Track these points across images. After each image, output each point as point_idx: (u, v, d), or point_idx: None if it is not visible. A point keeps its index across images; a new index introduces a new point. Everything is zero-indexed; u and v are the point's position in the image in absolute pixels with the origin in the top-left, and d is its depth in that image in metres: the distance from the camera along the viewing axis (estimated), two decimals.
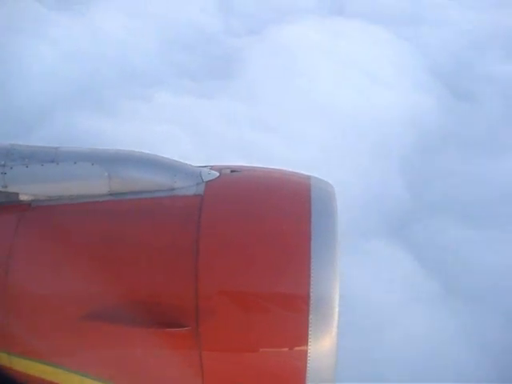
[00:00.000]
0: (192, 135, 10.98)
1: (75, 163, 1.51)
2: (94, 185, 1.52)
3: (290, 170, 1.63)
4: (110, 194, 1.53)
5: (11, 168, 1.48)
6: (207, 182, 1.53)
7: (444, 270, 8.98)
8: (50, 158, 1.52)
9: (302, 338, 1.41)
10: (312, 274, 1.40)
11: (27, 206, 1.52)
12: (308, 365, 1.40)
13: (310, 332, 1.40)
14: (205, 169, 1.59)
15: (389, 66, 15.36)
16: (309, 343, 1.40)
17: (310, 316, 1.40)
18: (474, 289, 8.65)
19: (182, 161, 1.61)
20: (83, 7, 14.81)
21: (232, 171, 1.59)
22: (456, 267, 9.06)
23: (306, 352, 1.41)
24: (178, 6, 17.49)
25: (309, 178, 1.57)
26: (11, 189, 1.49)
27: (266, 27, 16.98)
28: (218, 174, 1.57)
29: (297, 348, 1.42)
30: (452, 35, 18.67)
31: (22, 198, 1.52)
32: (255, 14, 19.28)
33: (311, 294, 1.39)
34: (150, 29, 15.40)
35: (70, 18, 14.27)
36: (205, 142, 10.63)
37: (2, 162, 1.49)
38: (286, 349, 1.44)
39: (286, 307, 1.44)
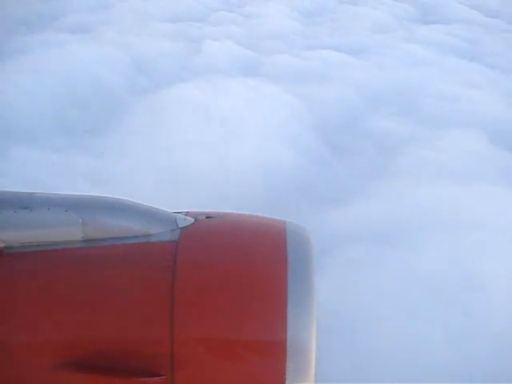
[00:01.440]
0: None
1: (49, 209, 1.49)
2: (67, 231, 1.49)
3: (265, 215, 1.63)
4: (84, 241, 1.49)
5: None
6: (182, 228, 1.51)
7: None
8: (23, 204, 1.49)
9: None
10: (289, 320, 1.36)
11: (0, 253, 1.52)
12: None
13: (286, 379, 1.39)
14: (180, 215, 1.57)
15: (269, 120, 15.91)
16: None
17: (287, 363, 1.38)
18: None
19: (156, 207, 1.59)
20: None
21: (207, 217, 1.57)
22: None
23: None
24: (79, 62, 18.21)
25: (284, 222, 1.56)
26: None
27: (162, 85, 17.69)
28: (193, 220, 1.54)
29: None
30: (346, 92, 19.46)
31: None
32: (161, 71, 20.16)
33: (288, 341, 1.36)
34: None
35: None
36: None
37: None
38: None
39: (262, 354, 1.42)
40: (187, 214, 1.58)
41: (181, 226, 1.51)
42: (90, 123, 15.08)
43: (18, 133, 13.61)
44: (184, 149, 13.11)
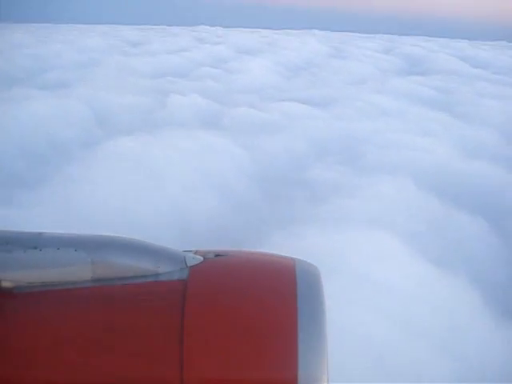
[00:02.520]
0: None
1: (58, 249, 1.49)
2: (76, 271, 1.49)
3: (274, 252, 1.65)
4: (93, 280, 1.49)
5: None
6: (191, 266, 1.51)
7: None
8: (32, 244, 1.51)
9: None
10: (300, 360, 1.36)
11: (9, 293, 1.48)
12: None
13: None
14: (189, 253, 1.57)
15: (203, 170, 16.27)
16: None
17: None
18: None
19: (165, 245, 1.56)
20: None
21: (216, 255, 1.57)
22: None
23: None
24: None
25: (293, 260, 1.55)
26: None
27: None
28: (202, 259, 1.54)
29: None
30: (296, 143, 19.87)
31: (4, 284, 1.50)
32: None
33: (299, 381, 1.36)
34: None
35: None
36: None
37: None
38: None
39: None
40: (196, 252, 1.60)
41: (190, 264, 1.52)
42: (26, 175, 15.56)
43: None
44: (106, 200, 13.45)
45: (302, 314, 1.39)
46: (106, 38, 57.55)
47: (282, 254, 1.55)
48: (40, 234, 1.55)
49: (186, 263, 1.51)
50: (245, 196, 15.45)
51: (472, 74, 42.43)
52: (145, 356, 1.40)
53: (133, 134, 18.78)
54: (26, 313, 1.47)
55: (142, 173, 15.30)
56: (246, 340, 1.38)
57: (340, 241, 10.83)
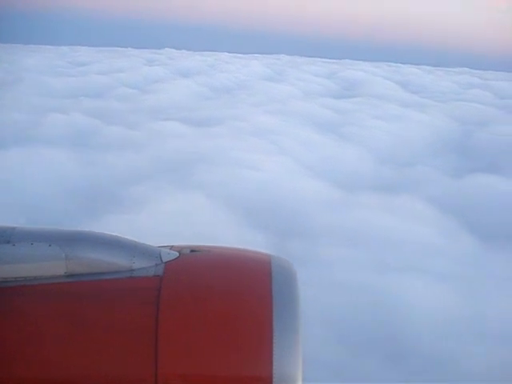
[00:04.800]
0: None
1: (32, 244, 1.47)
2: (50, 266, 1.47)
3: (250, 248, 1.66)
4: (67, 276, 1.47)
5: None
6: (166, 262, 1.50)
7: None
8: (6, 238, 1.48)
9: None
10: (274, 356, 1.36)
11: None
12: None
13: None
14: (164, 249, 1.55)
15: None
16: None
17: None
18: None
19: (140, 241, 1.58)
20: None
21: (192, 251, 1.56)
22: None
23: None
24: None
25: (269, 256, 1.55)
26: None
27: None
28: (177, 254, 1.53)
29: None
30: (141, 162, 20.36)
31: None
32: None
33: (274, 377, 1.36)
34: None
35: None
36: None
37: None
38: None
39: None
40: (172, 247, 1.58)
41: (165, 260, 1.51)
42: None
43: None
44: None
45: (277, 309, 1.40)
46: (51, 59, 58.55)
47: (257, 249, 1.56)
48: (13, 228, 1.53)
49: (161, 259, 1.51)
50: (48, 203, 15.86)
51: (394, 97, 43.08)
52: (119, 352, 1.39)
53: None
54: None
55: None
56: (221, 335, 1.38)
57: None
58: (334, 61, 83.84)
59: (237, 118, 28.94)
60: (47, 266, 1.47)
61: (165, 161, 20.62)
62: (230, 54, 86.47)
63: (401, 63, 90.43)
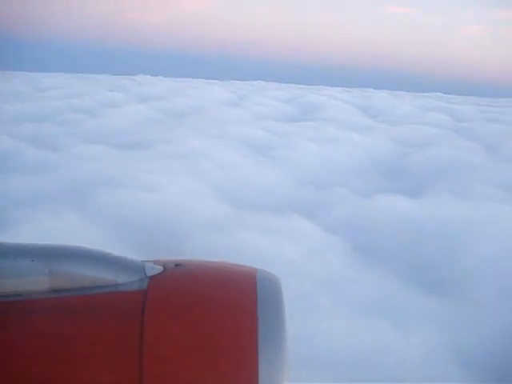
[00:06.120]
0: None
1: (15, 259, 1.43)
2: (33, 282, 1.43)
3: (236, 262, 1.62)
4: (51, 291, 1.43)
5: None
6: (151, 276, 1.48)
7: None
8: None
9: None
10: (260, 372, 1.35)
11: None
12: None
13: None
14: (149, 263, 1.52)
15: None
16: None
17: None
18: None
19: (124, 255, 1.54)
20: None
21: (176, 265, 1.53)
22: None
23: None
24: None
25: (255, 270, 1.53)
26: None
27: None
28: (162, 269, 1.50)
29: None
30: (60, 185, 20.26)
31: None
32: None
33: None
34: None
35: None
36: None
37: None
38: None
39: None
40: (156, 262, 1.55)
41: (149, 274, 1.49)
42: None
43: None
44: None
45: (262, 324, 1.38)
46: (18, 84, 58.92)
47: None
48: None
49: (145, 273, 1.48)
50: None
51: (345, 121, 43.32)
52: (104, 368, 1.37)
53: None
54: None
55: None
56: (206, 351, 1.37)
57: None
58: (306, 86, 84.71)
59: (169, 141, 28.98)
60: (30, 281, 1.43)
61: (70, 183, 20.53)
62: (206, 80, 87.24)
63: (374, 88, 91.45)
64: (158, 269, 1.50)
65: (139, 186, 19.46)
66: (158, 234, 15.53)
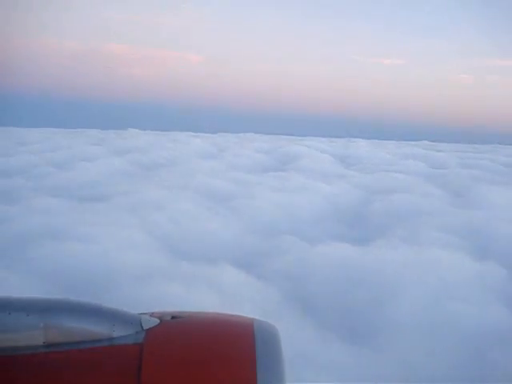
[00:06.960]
0: None
1: (9, 314, 1.42)
2: (28, 336, 1.41)
3: (232, 313, 1.62)
4: (46, 345, 1.41)
5: None
6: (147, 329, 1.46)
7: None
8: None
9: None
10: None
11: None
12: None
13: None
14: (145, 316, 1.52)
15: None
16: None
17: None
18: None
19: (121, 308, 1.54)
20: None
21: (173, 317, 1.53)
22: None
23: None
24: None
25: (252, 320, 1.52)
26: None
27: None
28: (158, 321, 1.50)
29: None
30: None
31: None
32: None
33: None
34: None
35: None
36: None
37: None
38: None
39: None
40: (152, 314, 1.55)
41: (146, 327, 1.48)
42: None
43: None
44: None
45: (261, 373, 1.37)
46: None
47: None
48: None
49: (141, 326, 1.47)
50: None
51: (318, 170, 43.50)
52: None
53: None
54: None
55: None
56: None
57: None
58: (295, 138, 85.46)
59: (129, 194, 29.06)
60: (25, 336, 1.41)
61: (14, 235, 20.51)
62: (194, 134, 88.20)
63: (364, 138, 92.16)
64: (155, 321, 1.49)
65: (81, 237, 19.41)
66: (84, 284, 15.37)
